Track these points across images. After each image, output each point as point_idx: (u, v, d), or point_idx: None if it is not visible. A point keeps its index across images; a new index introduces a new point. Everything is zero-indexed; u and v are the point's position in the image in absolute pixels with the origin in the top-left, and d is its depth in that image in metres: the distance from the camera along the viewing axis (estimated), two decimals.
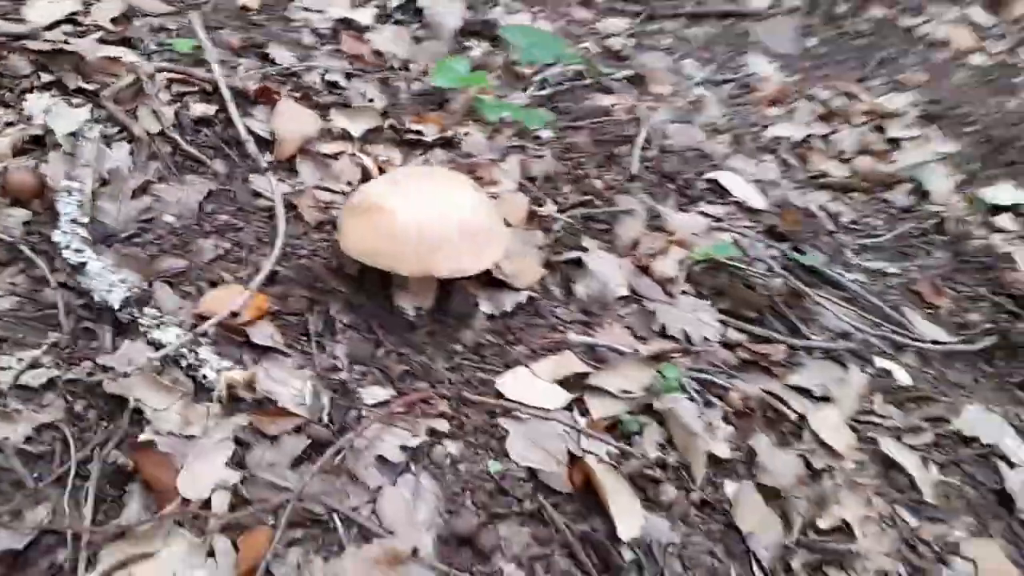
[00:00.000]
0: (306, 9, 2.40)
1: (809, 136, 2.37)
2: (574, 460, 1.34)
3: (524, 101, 2.20)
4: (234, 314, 1.38)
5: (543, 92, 2.27)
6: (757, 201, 1.99)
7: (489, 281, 1.62)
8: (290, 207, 1.70)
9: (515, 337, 1.56)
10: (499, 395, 1.43)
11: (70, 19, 2.00)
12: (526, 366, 1.49)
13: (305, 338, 1.43)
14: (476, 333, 1.53)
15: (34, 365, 1.27)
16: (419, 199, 1.41)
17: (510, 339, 1.56)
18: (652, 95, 2.32)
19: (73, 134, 1.63)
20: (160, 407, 1.25)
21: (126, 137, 1.71)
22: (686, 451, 1.42)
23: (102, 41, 1.93)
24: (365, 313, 1.51)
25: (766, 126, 2.40)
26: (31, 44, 1.82)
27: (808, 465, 1.46)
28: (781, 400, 1.57)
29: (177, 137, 1.74)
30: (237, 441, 1.23)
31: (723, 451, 1.43)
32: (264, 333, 1.40)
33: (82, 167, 1.54)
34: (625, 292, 1.70)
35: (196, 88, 1.89)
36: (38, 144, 1.62)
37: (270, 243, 1.57)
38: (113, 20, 2.03)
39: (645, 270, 1.75)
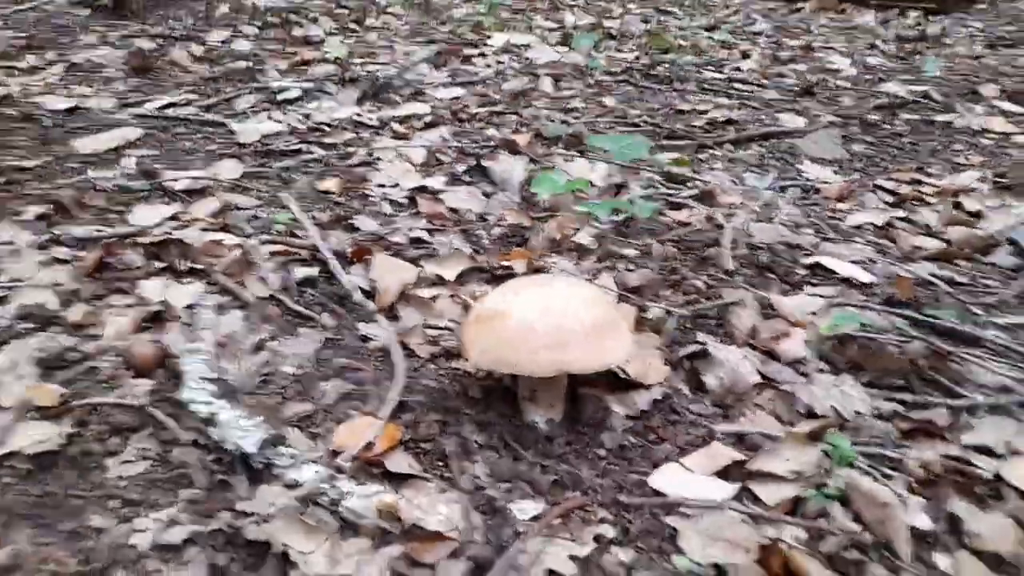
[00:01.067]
0: (380, 185, 2.54)
1: (891, 219, 2.35)
2: (763, 549, 1.18)
3: (606, 223, 2.24)
4: (368, 446, 1.32)
5: (618, 217, 2.31)
6: (865, 276, 1.93)
7: (616, 385, 1.55)
8: (402, 346, 1.69)
9: (657, 436, 1.46)
10: (657, 493, 1.31)
11: (173, 218, 2.14)
12: (677, 462, 1.38)
13: (442, 462, 1.36)
14: (616, 436, 1.44)
15: (172, 523, 1.20)
16: (540, 300, 1.39)
17: (652, 438, 1.45)
18: (723, 205, 2.35)
19: (189, 306, 1.68)
20: (306, 549, 1.16)
21: (238, 304, 1.75)
22: (881, 526, 1.25)
23: (204, 230, 2.05)
24: (497, 430, 1.44)
25: (844, 217, 2.39)
26: (141, 239, 1.93)
27: (1021, 524, 1.28)
28: (966, 462, 1.41)
29: (285, 298, 1.78)
30: (393, 574, 1.12)
31: (924, 522, 1.27)
32: (400, 461, 1.33)
33: (201, 330, 1.56)
34: (758, 379, 1.60)
35: (296, 255, 1.97)
36: (156, 320, 1.67)
37: (390, 378, 1.54)
38: (212, 214, 2.17)
39: (771, 355, 1.66)
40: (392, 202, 2.45)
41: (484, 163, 2.62)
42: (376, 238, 2.18)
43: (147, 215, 2.13)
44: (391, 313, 1.85)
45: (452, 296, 1.90)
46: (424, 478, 1.31)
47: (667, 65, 3.98)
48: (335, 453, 1.33)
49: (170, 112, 3.12)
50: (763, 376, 1.61)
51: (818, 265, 2.00)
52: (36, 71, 3.58)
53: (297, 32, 4.72)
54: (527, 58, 4.12)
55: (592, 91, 3.57)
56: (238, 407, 1.41)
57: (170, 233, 1.98)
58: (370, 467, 1.31)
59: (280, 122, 3.04)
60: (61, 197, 2.15)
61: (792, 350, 1.66)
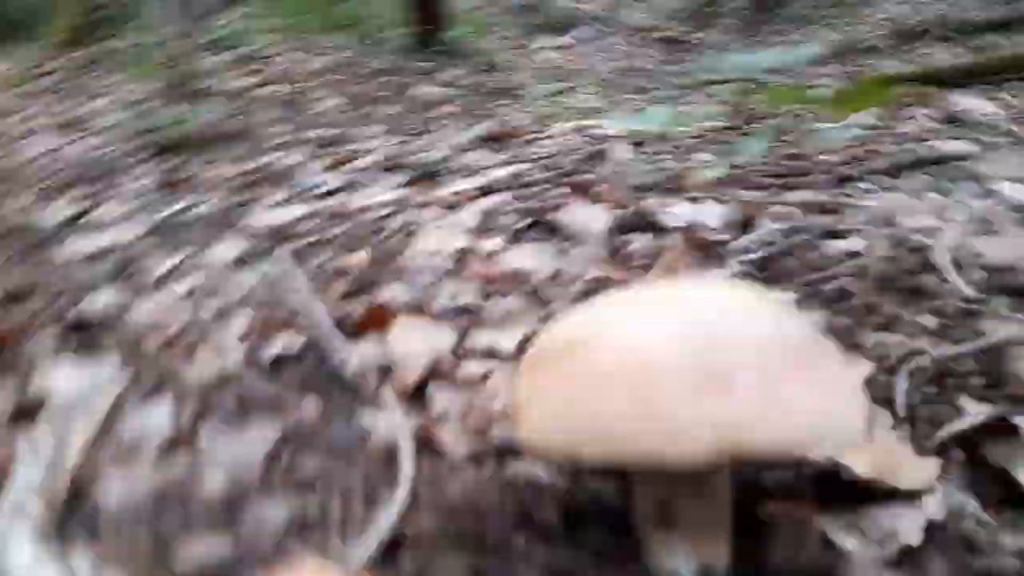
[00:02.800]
0: (420, 253, 1.93)
1: None
2: None
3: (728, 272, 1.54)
4: None
5: (751, 256, 1.60)
6: None
7: (835, 493, 0.79)
8: (423, 445, 0.99)
9: None
10: None
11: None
12: None
13: None
14: None
15: None
16: (664, 312, 0.68)
17: None
18: (911, 228, 1.61)
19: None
20: None
21: (172, 392, 1.11)
22: None
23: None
24: None
25: None
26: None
27: None
28: None
29: (244, 379, 1.13)
30: None
31: None
32: None
33: (68, 432, 0.91)
34: None
35: (281, 327, 1.34)
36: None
37: (388, 496, 0.83)
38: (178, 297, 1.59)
39: None
40: (433, 270, 1.82)
41: (551, 216, 1.99)
42: (404, 307, 1.53)
43: (101, 298, 1.57)
44: (415, 397, 1.17)
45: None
46: None
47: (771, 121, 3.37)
48: None
49: (182, 216, 2.67)
50: None
51: None
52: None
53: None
54: (601, 132, 3.60)
55: (681, 150, 2.96)
56: (80, 556, 0.73)
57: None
58: None
59: (304, 208, 2.53)
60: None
61: None
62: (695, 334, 0.64)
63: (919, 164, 2.34)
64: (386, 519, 0.75)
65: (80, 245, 2.16)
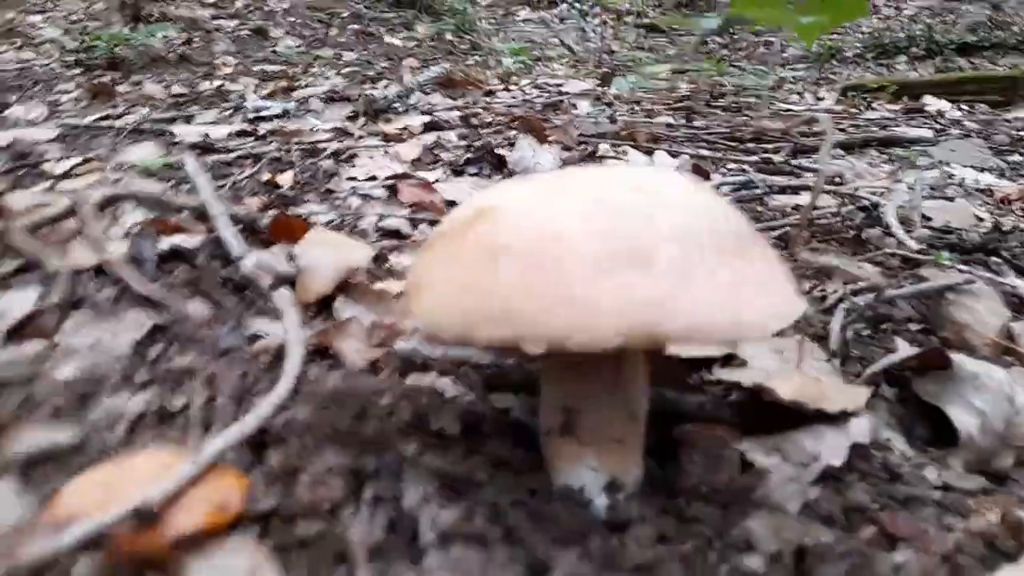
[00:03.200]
0: (352, 178, 1.82)
1: None
2: None
3: None
4: (144, 515, 0.51)
5: None
6: None
7: (758, 415, 0.72)
8: (317, 353, 0.89)
9: (879, 528, 0.61)
10: None
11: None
12: None
13: (338, 566, 0.53)
14: (779, 527, 0.59)
15: None
16: (582, 188, 0.60)
17: (868, 534, 0.61)
18: (861, 188, 1.57)
19: None
20: None
21: (39, 280, 0.98)
22: None
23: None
24: (486, 499, 0.61)
25: None
26: None
27: None
28: None
29: (126, 273, 1.00)
30: None
31: None
32: (232, 561, 0.51)
33: None
34: None
35: (171, 227, 1.21)
36: None
37: (268, 392, 0.73)
38: (75, 190, 1.45)
39: None
40: (364, 197, 1.71)
41: (500, 152, 1.89)
42: (324, 225, 1.42)
43: None
44: (319, 310, 1.07)
45: None
46: None
47: (733, 97, 3.32)
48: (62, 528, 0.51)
49: (105, 124, 2.49)
50: None
51: None
52: None
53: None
54: (561, 89, 3.50)
55: (643, 112, 2.89)
56: None
57: None
58: (142, 567, 0.49)
59: (237, 127, 2.38)
60: None
61: None
62: (613, 210, 0.56)
63: (878, 142, 2.31)
64: (254, 416, 0.65)
65: None
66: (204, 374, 0.78)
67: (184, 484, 0.56)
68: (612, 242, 0.53)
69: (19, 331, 0.85)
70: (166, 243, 1.13)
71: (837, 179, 1.65)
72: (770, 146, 2.18)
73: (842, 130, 2.50)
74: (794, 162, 1.89)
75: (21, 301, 0.93)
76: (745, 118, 2.82)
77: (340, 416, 0.63)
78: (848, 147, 2.21)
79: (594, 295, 0.51)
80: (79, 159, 1.75)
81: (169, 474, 0.56)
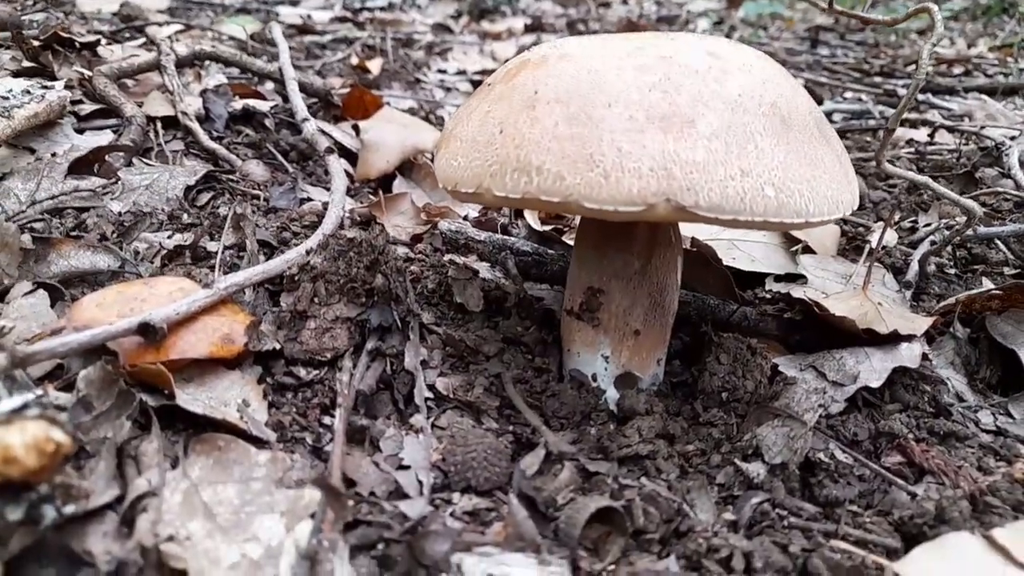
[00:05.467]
0: (441, 71, 1.80)
1: None
2: None
3: None
4: (148, 331, 0.53)
5: None
6: None
7: (806, 327, 0.68)
8: (365, 224, 0.90)
9: (906, 456, 0.57)
10: None
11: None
12: (975, 524, 0.49)
13: (325, 411, 0.54)
14: (795, 436, 0.56)
15: None
16: (648, 47, 0.55)
17: (893, 461, 0.57)
18: (985, 127, 1.42)
19: (5, 96, 0.96)
20: None
21: (115, 126, 1.03)
22: None
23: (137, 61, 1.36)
24: (491, 371, 0.61)
25: None
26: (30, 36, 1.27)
27: None
28: None
29: (195, 126, 1.03)
30: None
31: None
32: (224, 393, 0.52)
33: None
34: None
35: (248, 91, 1.24)
36: None
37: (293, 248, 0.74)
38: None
39: None
40: (448, 89, 1.69)
41: None
42: (406, 112, 1.42)
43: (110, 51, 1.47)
44: (380, 184, 1.08)
45: None
46: (255, 441, 0.49)
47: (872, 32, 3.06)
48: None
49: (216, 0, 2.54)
50: None
51: None
52: None
53: None
54: (682, 5, 3.32)
55: (766, 37, 2.71)
56: None
57: (67, 37, 1.30)
58: (143, 380, 0.52)
59: (339, 12, 2.39)
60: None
61: None
62: (666, 71, 0.52)
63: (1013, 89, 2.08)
64: (276, 261, 0.66)
65: (97, 2, 2.06)
66: (241, 217, 0.80)
67: (195, 310, 0.58)
68: (658, 98, 0.50)
69: (87, 165, 0.89)
70: (240, 104, 1.15)
71: (965, 117, 1.50)
72: (899, 82, 2.00)
73: (988, 76, 2.27)
74: (920, 97, 1.73)
75: (94, 140, 0.97)
76: (880, 52, 2.61)
77: (354, 265, 0.63)
78: (991, 92, 2.00)
79: (620, 154, 0.48)
80: (181, 25, 1.80)
81: (183, 299, 0.58)
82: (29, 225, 0.76)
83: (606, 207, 0.48)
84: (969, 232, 0.83)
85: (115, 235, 0.77)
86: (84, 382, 0.52)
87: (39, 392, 0.48)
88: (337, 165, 0.92)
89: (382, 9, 2.72)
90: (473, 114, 0.57)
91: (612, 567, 0.45)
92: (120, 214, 0.80)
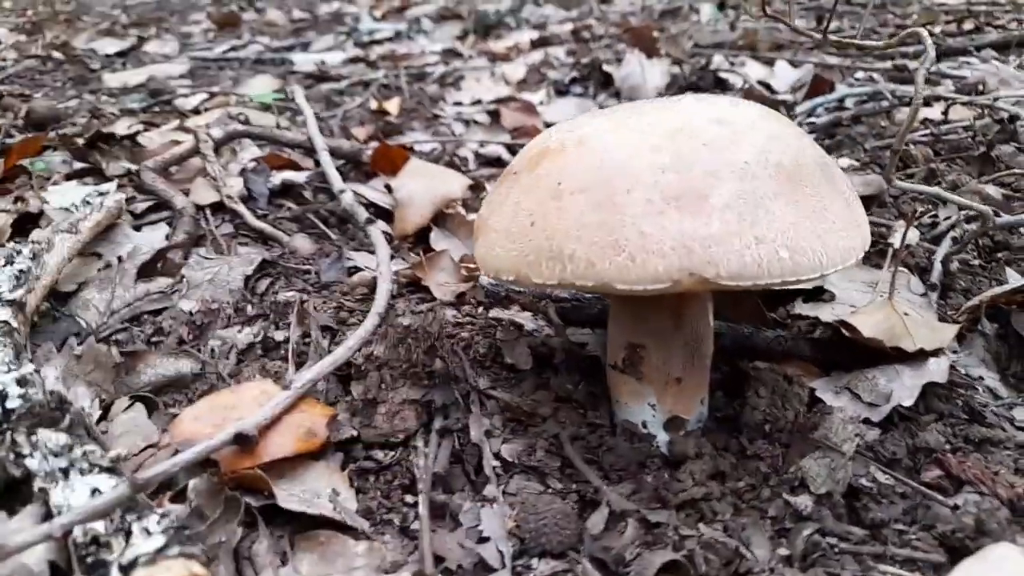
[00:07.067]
0: (457, 104, 1.86)
1: None
2: None
3: None
4: (243, 440, 0.59)
5: (817, 120, 1.46)
6: None
7: (836, 352, 0.72)
8: (410, 286, 0.96)
9: (946, 471, 0.61)
10: None
11: (146, 124, 1.57)
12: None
13: (406, 495, 0.60)
14: (836, 468, 0.61)
15: None
16: (653, 122, 0.60)
17: (933, 475, 0.61)
18: (1002, 98, 1.43)
19: (69, 209, 1.05)
20: None
21: (168, 218, 1.11)
22: None
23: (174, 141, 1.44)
24: (549, 432, 0.66)
25: None
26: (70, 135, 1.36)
27: None
28: None
29: (241, 209, 1.11)
30: None
31: None
32: (315, 484, 0.59)
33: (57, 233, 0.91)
34: None
35: (288, 162, 1.31)
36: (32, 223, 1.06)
37: (357, 326, 0.80)
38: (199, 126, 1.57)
39: None
40: (467, 122, 1.75)
41: (607, 69, 1.86)
42: (425, 154, 1.48)
43: (121, 125, 1.56)
44: (417, 240, 1.14)
45: None
46: (356, 531, 0.56)
47: None
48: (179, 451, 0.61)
49: (231, 55, 2.64)
50: None
51: None
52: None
53: None
54: None
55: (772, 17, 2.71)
56: (51, 365, 0.74)
57: (108, 132, 1.39)
58: (243, 487, 0.58)
59: (350, 53, 2.46)
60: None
61: None
62: (676, 149, 0.57)
63: None
64: (342, 349, 0.73)
65: (122, 77, 2.16)
66: (304, 308, 0.86)
67: (279, 412, 0.65)
68: (672, 179, 0.55)
69: (151, 267, 0.97)
70: (278, 178, 1.23)
71: (979, 86, 1.51)
72: (910, 50, 2.00)
73: (1001, 27, 2.24)
74: (932, 68, 1.74)
75: (152, 239, 1.05)
76: (889, 16, 2.59)
77: (413, 351, 0.69)
78: (1004, 46, 1.99)
79: (643, 236, 0.53)
80: (206, 94, 1.88)
81: (267, 403, 0.65)
82: (114, 338, 0.84)
83: (636, 287, 0.54)
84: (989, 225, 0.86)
85: (190, 336, 0.84)
86: (195, 493, 0.59)
87: (160, 511, 0.55)
88: (379, 236, 0.98)
89: (389, 40, 2.78)
90: (504, 204, 0.63)
91: None
92: (191, 313, 0.87)
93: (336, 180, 1.14)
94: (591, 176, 0.57)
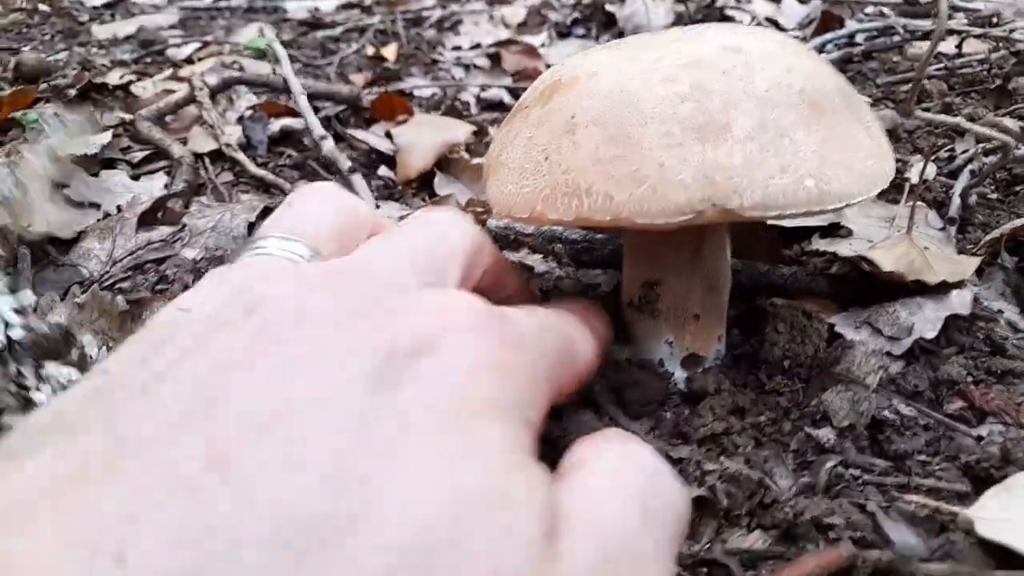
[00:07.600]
0: (456, 48, 1.81)
1: None
2: None
3: None
4: None
5: (828, 56, 1.43)
6: None
7: (856, 287, 0.71)
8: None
9: (968, 402, 0.61)
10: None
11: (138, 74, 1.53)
12: None
13: None
14: (853, 397, 0.60)
15: None
16: (662, 57, 0.58)
17: (956, 407, 0.60)
18: (1018, 29, 1.39)
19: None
20: None
21: (165, 167, 1.08)
22: None
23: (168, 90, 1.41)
24: None
25: None
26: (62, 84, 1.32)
27: None
28: None
29: (241, 156, 1.08)
30: None
31: None
32: None
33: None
34: None
35: (280, 108, 1.28)
36: None
37: None
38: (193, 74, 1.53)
39: None
40: (467, 67, 1.71)
41: (610, 8, 1.81)
42: (429, 101, 1.44)
43: (113, 76, 1.53)
44: (419, 187, 1.12)
45: None
46: None
47: None
48: None
49: (222, 3, 2.57)
50: None
51: None
52: None
53: None
54: None
55: None
56: (58, 311, 0.73)
57: (100, 83, 1.36)
58: None
59: None
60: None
61: None
62: (694, 79, 0.55)
63: None
64: None
65: (111, 28, 2.11)
66: None
67: None
68: (691, 109, 0.53)
69: (152, 213, 0.95)
70: (276, 125, 1.20)
71: (993, 18, 1.47)
72: None
73: None
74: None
75: (150, 188, 1.03)
76: None
77: None
78: None
79: (663, 168, 0.52)
80: (198, 44, 1.84)
81: None
82: (117, 286, 0.82)
83: (657, 220, 0.52)
84: (1011, 156, 0.84)
85: (195, 283, 0.83)
86: None
87: None
88: (362, 184, 0.96)
89: None
90: (516, 140, 0.60)
91: (708, 546, 0.51)
92: (195, 261, 0.86)
93: (316, 127, 1.11)
94: (606, 107, 0.55)
